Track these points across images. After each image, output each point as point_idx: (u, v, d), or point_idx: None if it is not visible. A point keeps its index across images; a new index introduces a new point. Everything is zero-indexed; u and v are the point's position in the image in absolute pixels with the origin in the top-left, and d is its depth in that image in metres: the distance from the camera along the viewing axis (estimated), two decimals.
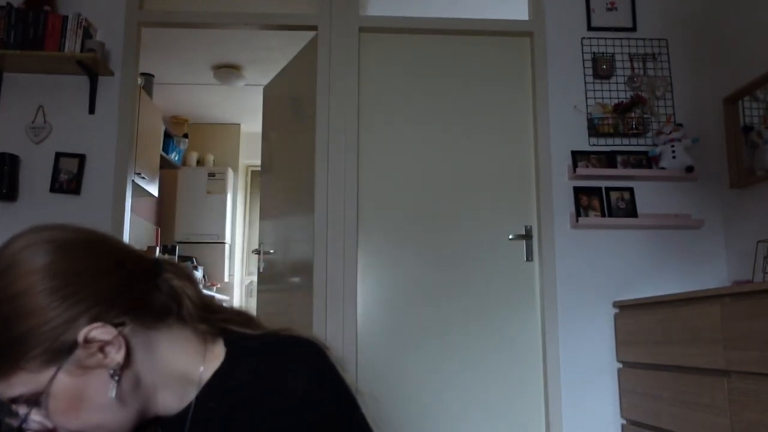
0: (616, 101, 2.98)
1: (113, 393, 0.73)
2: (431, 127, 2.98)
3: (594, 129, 2.94)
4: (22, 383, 0.71)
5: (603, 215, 2.87)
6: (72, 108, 2.85)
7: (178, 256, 5.34)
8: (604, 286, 2.84)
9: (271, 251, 3.47)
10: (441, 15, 3.09)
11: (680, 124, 2.90)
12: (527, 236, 2.91)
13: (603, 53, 3.04)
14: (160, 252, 5.19)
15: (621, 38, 3.05)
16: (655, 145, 2.93)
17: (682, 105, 3.02)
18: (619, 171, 2.88)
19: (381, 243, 2.89)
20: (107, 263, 0.76)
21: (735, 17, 2.89)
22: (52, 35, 2.75)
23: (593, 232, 2.89)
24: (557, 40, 3.03)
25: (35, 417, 0.73)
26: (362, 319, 2.82)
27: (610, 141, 2.96)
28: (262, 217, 3.75)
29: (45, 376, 0.71)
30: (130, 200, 2.93)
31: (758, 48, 2.71)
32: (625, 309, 2.74)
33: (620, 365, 2.76)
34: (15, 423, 0.73)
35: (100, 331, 0.72)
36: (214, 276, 5.65)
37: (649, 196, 2.92)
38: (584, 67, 3.02)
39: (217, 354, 0.82)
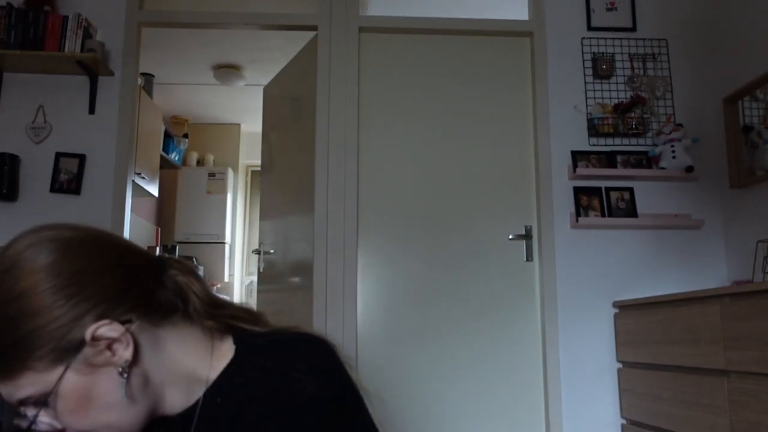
0: (616, 101, 2.98)
1: (123, 391, 0.73)
2: (431, 127, 2.98)
3: (594, 129, 2.94)
4: (30, 384, 0.71)
5: (603, 215, 2.87)
6: (72, 108, 2.85)
7: (178, 256, 5.33)
8: (604, 286, 2.84)
9: (271, 251, 3.47)
10: (441, 15, 3.09)
11: (680, 124, 2.90)
12: (527, 236, 2.91)
13: (603, 53, 3.04)
14: (160, 252, 5.19)
15: (621, 38, 3.05)
16: (655, 145, 2.93)
17: (682, 105, 3.02)
18: (619, 171, 2.88)
19: (381, 243, 2.89)
20: (111, 261, 0.76)
21: (735, 17, 2.89)
22: (52, 35, 2.75)
23: (593, 232, 2.89)
24: (557, 40, 3.03)
25: (44, 418, 0.73)
26: (362, 319, 2.82)
27: (610, 141, 2.96)
28: (262, 217, 3.75)
29: (53, 375, 0.70)
30: (130, 200, 2.93)
31: (758, 48, 2.71)
32: (625, 309, 2.74)
33: (620, 365, 2.76)
34: (24, 425, 0.73)
35: (108, 329, 0.71)
36: (214, 276, 5.65)
37: (649, 196, 2.92)
38: (584, 67, 3.02)
39: (225, 351, 0.81)
